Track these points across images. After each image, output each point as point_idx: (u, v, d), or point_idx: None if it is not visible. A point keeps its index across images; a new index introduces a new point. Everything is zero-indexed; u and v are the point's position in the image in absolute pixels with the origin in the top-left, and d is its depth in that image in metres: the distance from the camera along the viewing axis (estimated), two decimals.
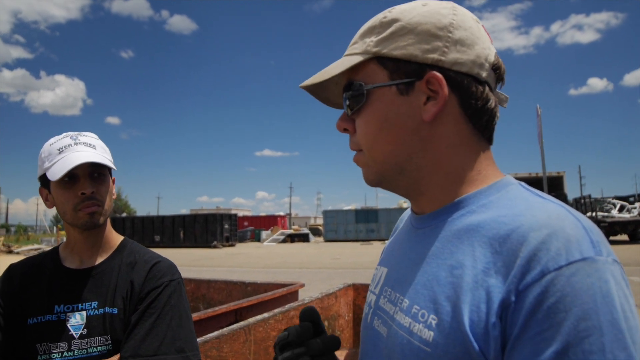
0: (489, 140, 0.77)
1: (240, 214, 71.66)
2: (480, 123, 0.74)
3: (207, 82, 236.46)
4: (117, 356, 1.31)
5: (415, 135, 0.73)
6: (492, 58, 0.74)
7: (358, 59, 0.74)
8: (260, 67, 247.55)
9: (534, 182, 21.28)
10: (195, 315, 2.79)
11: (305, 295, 3.48)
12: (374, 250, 27.28)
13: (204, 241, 35.78)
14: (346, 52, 0.79)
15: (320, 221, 68.28)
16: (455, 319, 0.62)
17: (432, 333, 0.63)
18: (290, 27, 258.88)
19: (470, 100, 0.72)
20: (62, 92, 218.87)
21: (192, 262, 19.96)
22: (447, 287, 0.65)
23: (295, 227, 58.37)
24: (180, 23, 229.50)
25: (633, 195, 30.59)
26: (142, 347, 1.29)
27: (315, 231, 54.59)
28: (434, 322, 0.64)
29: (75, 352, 1.33)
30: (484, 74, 0.73)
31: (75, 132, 1.47)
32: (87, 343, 1.34)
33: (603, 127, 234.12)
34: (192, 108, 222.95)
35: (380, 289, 0.83)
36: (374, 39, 0.74)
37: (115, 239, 1.54)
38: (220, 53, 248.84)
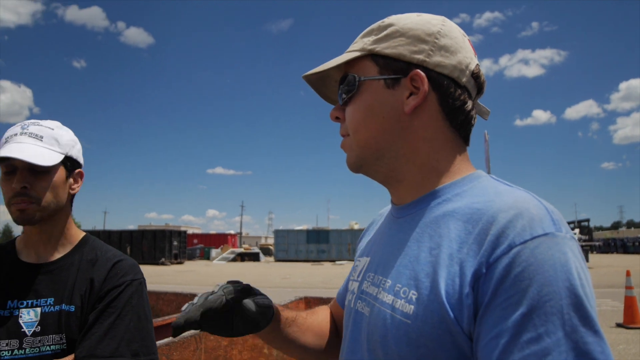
0: (465, 141, 0.87)
1: (190, 231, 70.15)
2: (456, 122, 0.83)
3: (161, 97, 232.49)
4: (72, 356, 1.26)
5: (396, 125, 0.83)
6: (472, 67, 0.84)
7: (355, 54, 0.86)
8: (216, 84, 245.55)
9: None
10: None
11: None
12: (325, 270, 27.27)
13: (151, 258, 34.79)
14: (347, 50, 0.90)
15: (271, 241, 67.77)
16: (433, 292, 0.69)
17: (412, 307, 0.71)
18: (247, 46, 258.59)
19: (448, 99, 0.82)
20: (7, 98, 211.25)
21: None
22: (427, 265, 0.73)
23: (246, 246, 57.63)
24: (136, 36, 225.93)
25: (573, 222, 32.11)
26: (99, 347, 1.25)
27: (266, 251, 54.12)
28: (414, 297, 0.71)
29: (27, 350, 1.27)
30: (463, 79, 0.82)
31: (31, 121, 1.40)
32: (40, 341, 1.28)
33: (546, 156, 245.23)
34: (144, 122, 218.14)
35: (363, 276, 0.91)
36: (371, 38, 0.85)
37: (76, 234, 1.49)
38: (176, 68, 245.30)
